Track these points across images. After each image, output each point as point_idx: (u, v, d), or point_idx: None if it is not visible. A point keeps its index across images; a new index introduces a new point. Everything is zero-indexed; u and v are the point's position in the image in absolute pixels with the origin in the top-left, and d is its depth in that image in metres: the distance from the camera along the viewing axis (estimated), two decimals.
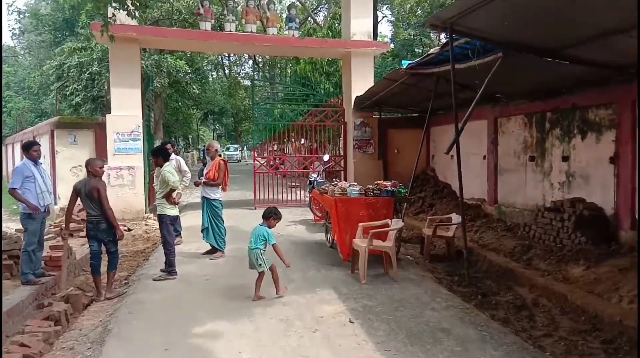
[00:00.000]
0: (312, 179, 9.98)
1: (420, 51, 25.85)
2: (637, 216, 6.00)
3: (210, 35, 10.79)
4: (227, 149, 46.02)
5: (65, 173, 10.41)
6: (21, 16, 22.80)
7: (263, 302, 5.06)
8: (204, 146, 51.96)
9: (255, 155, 12.17)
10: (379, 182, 6.74)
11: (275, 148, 26.90)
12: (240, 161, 43.52)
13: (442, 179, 11.91)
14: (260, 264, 5.03)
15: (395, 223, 5.89)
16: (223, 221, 7.14)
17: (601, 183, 6.69)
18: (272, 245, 5.09)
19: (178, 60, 14.64)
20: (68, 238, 5.58)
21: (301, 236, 8.74)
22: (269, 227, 5.18)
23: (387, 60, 23.32)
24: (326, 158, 10.32)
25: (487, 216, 9.57)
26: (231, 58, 44.70)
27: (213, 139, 57.38)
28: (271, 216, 5.23)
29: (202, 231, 7.10)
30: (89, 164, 5.34)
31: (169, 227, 5.81)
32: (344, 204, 6.28)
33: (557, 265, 6.02)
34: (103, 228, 5.28)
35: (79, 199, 5.32)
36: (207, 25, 10.94)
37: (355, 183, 7.31)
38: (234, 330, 4.38)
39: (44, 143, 11.37)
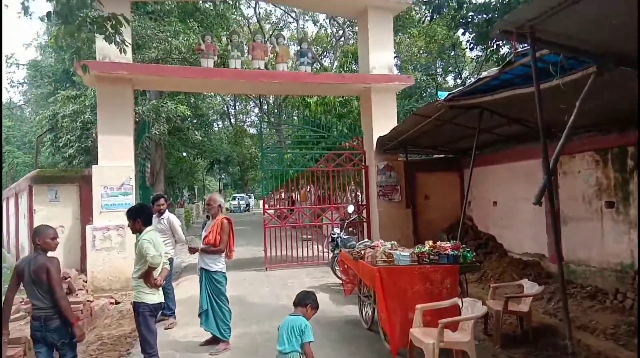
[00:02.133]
0: (335, 235, 8.35)
1: (433, 91, 24.79)
2: None
3: (213, 72, 9.51)
4: (234, 198, 44.61)
5: None
6: (20, 68, 21.94)
7: None
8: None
9: (266, 207, 10.60)
10: (436, 244, 5.09)
11: (284, 196, 25.39)
12: (247, 210, 41.93)
13: (484, 230, 10.22)
14: None
15: (471, 305, 4.19)
16: (227, 300, 5.46)
17: None
18: (306, 343, 3.38)
19: (179, 105, 13.45)
20: (6, 340, 3.94)
21: (327, 311, 6.94)
22: (306, 318, 3.50)
23: (398, 101, 22.12)
24: (351, 209, 8.74)
25: (550, 276, 7.81)
26: (237, 107, 44.31)
27: (219, 189, 56.20)
28: (308, 303, 3.57)
29: (199, 315, 5.40)
30: (36, 234, 3.78)
31: (148, 321, 4.10)
32: (391, 276, 4.61)
33: None
34: (55, 327, 3.65)
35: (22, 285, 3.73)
36: (209, 63, 9.69)
37: (402, 246, 5.65)
38: None
39: (23, 202, 9.91)
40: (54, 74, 20.84)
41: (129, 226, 4.31)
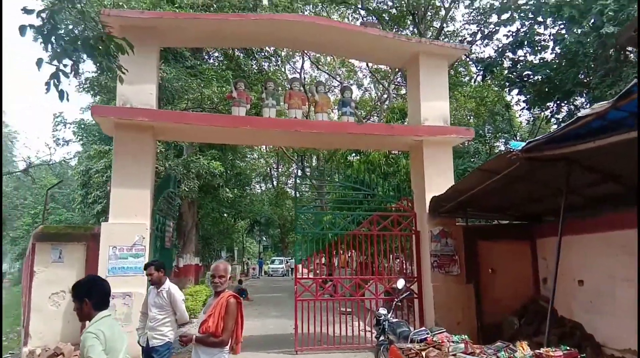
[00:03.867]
0: (381, 317, 6.65)
1: (484, 157, 23.06)
2: None
3: (243, 120, 8.47)
4: (272, 261, 43.13)
5: (43, 301, 7.69)
6: (67, 126, 22.26)
7: None
8: (258, 259, 49.26)
9: (298, 276, 9.07)
10: (542, 353, 3.39)
11: (322, 262, 23.62)
12: (285, 275, 40.17)
13: (566, 315, 8.19)
14: None
15: None
16: None
17: None
18: None
19: (212, 161, 12.58)
20: None
21: None
22: None
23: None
24: (401, 284, 7.06)
25: None
26: (279, 169, 44.02)
27: (259, 252, 54.96)
28: None
29: None
30: None
31: None
32: None
33: None
34: None
35: None
36: (240, 111, 8.72)
37: (477, 345, 3.96)
38: None
39: (28, 261, 8.88)
40: (99, 132, 20.90)
41: (74, 309, 2.95)
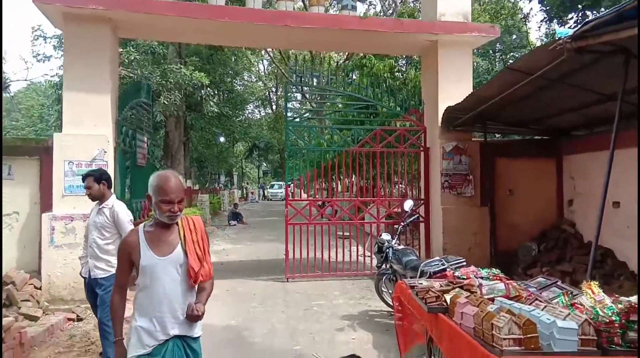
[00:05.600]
0: (384, 243, 5.61)
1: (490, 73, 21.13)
2: None
3: (220, 11, 6.94)
4: (272, 186, 42.58)
5: None
6: (47, 41, 20.25)
7: None
8: (259, 184, 47.55)
9: (289, 198, 8.00)
10: (630, 305, 2.25)
11: (323, 187, 22.42)
12: (284, 199, 39.74)
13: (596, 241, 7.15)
14: None
15: None
16: None
17: None
18: None
19: (196, 72, 11.03)
20: None
21: None
22: None
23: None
24: (408, 205, 5.94)
25: None
26: (278, 93, 42.08)
27: (259, 177, 54.29)
28: None
29: None
30: None
31: None
32: None
33: None
34: None
35: None
36: (219, 1, 7.15)
37: (520, 283, 2.88)
38: None
39: None
40: None
41: None
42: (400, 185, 10.67)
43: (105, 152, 6.67)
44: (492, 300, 2.54)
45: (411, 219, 6.35)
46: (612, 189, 6.68)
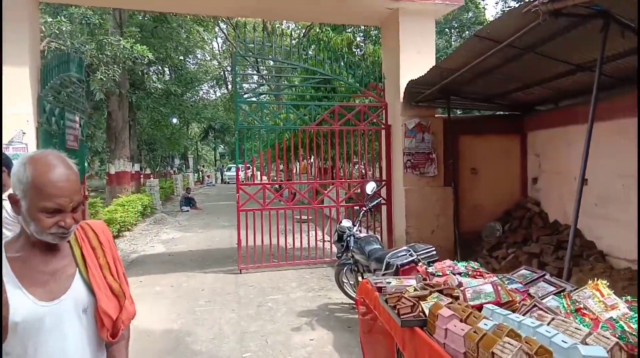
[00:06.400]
0: (345, 231, 5.07)
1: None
2: None
3: None
4: (229, 169, 41.39)
5: None
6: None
7: None
8: (217, 167, 46.16)
9: (240, 181, 7.32)
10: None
11: (280, 168, 21.67)
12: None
13: (561, 220, 6.95)
14: None
15: None
16: None
17: None
18: None
19: (137, 45, 9.98)
20: None
21: None
22: None
23: None
24: (370, 188, 5.39)
25: None
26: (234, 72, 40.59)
27: (216, 159, 52.78)
28: None
29: None
30: None
31: None
32: None
33: None
34: None
35: None
36: None
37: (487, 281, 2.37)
38: None
39: None
40: None
41: None
42: (360, 166, 10.18)
43: (25, 133, 5.78)
44: (480, 307, 2.03)
45: (374, 203, 5.84)
46: (579, 165, 6.46)
